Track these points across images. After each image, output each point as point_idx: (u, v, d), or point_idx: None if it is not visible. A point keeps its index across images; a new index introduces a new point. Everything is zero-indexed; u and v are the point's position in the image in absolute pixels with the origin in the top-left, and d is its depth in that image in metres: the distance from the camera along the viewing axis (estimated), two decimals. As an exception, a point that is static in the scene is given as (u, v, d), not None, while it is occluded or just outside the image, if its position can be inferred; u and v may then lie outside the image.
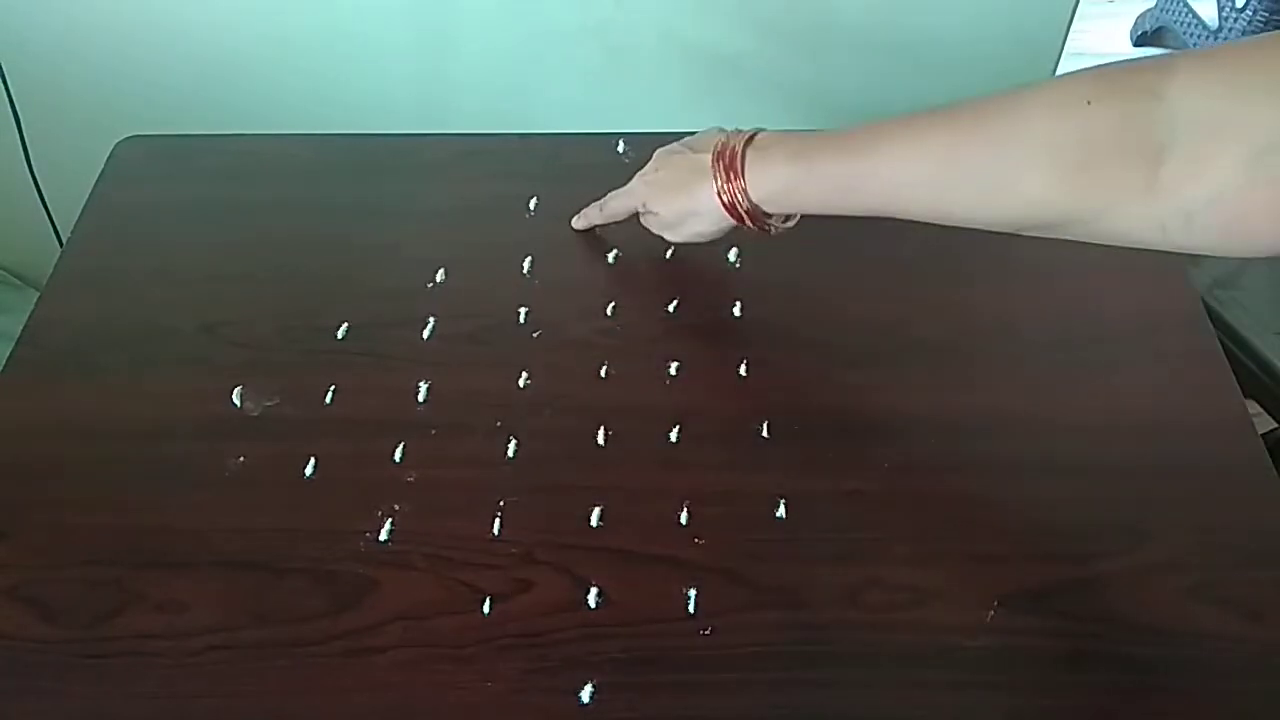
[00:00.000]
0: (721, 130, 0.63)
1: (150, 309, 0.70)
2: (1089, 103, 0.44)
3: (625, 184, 0.68)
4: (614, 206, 0.69)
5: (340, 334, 0.68)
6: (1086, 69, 0.46)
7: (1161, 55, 0.45)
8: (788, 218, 0.62)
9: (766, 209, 0.59)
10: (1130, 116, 0.43)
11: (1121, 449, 0.61)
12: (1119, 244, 0.46)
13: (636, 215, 0.69)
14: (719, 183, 0.59)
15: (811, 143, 0.56)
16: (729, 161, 0.58)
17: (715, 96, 1.12)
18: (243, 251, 0.74)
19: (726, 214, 0.60)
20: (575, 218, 0.73)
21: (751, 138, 0.59)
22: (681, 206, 0.63)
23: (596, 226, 0.72)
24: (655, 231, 0.67)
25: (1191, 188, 0.42)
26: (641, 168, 0.67)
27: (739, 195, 0.58)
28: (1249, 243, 0.42)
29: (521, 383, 0.65)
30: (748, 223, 0.60)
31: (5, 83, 1.06)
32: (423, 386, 0.64)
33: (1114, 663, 0.53)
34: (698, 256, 0.70)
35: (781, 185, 0.57)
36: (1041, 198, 0.47)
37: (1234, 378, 0.64)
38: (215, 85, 1.11)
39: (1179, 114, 0.41)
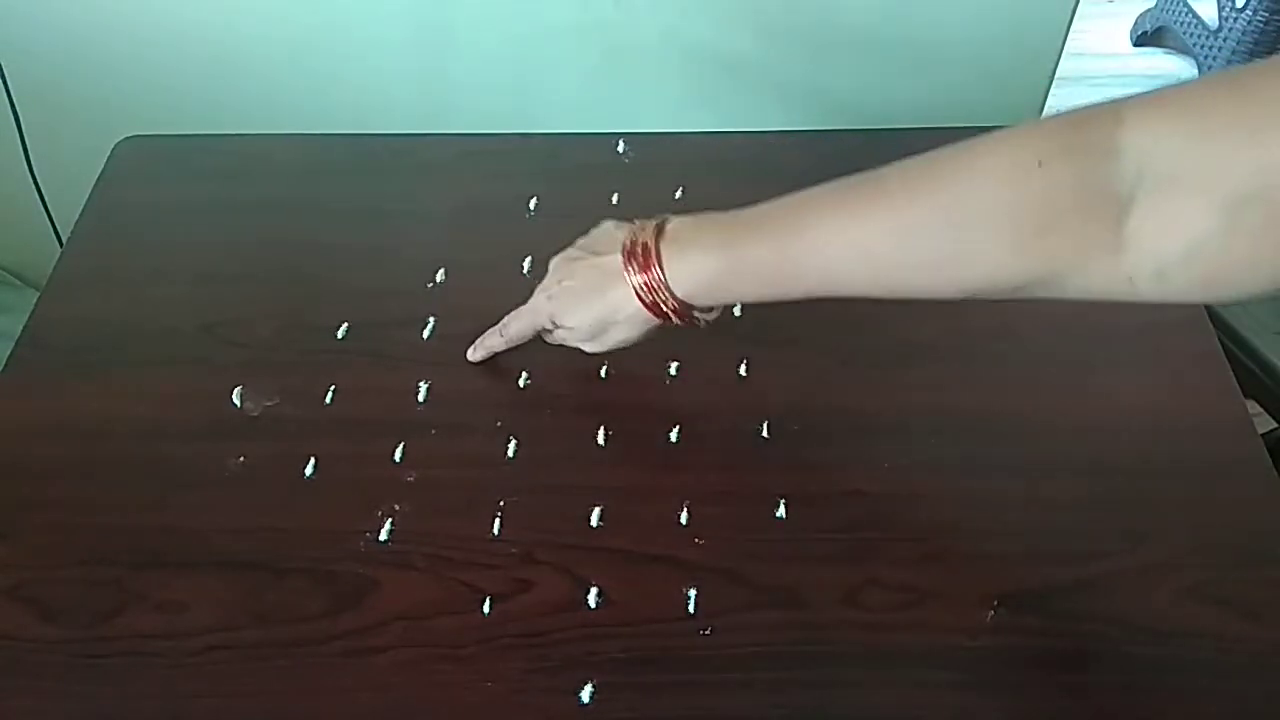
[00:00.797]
0: (618, 225, 0.57)
1: (150, 309, 0.70)
2: (1040, 164, 0.42)
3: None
4: (518, 328, 0.62)
5: (340, 334, 0.68)
6: (1030, 125, 0.44)
7: (1107, 103, 0.41)
8: (712, 306, 0.56)
9: (694, 304, 0.54)
10: (1086, 174, 0.41)
11: (1121, 449, 0.61)
12: (1086, 301, 0.44)
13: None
14: (636, 282, 0.53)
15: (734, 227, 0.51)
16: (643, 258, 0.53)
17: (715, 96, 1.12)
18: (242, 251, 0.74)
19: (650, 315, 0.54)
20: (471, 349, 0.65)
21: (661, 227, 0.54)
22: (598, 316, 0.57)
23: (498, 353, 0.65)
24: (571, 346, 0.61)
25: (1162, 243, 0.40)
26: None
27: (661, 293, 0.53)
28: (1226, 292, 0.40)
29: (521, 383, 0.65)
30: (674, 320, 0.55)
31: (5, 83, 1.06)
32: (423, 386, 0.64)
33: (1114, 663, 0.53)
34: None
35: (708, 277, 0.52)
36: (1000, 267, 0.44)
37: (1234, 378, 0.64)
38: (215, 85, 1.11)
39: (1138, 166, 0.39)
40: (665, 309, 0.54)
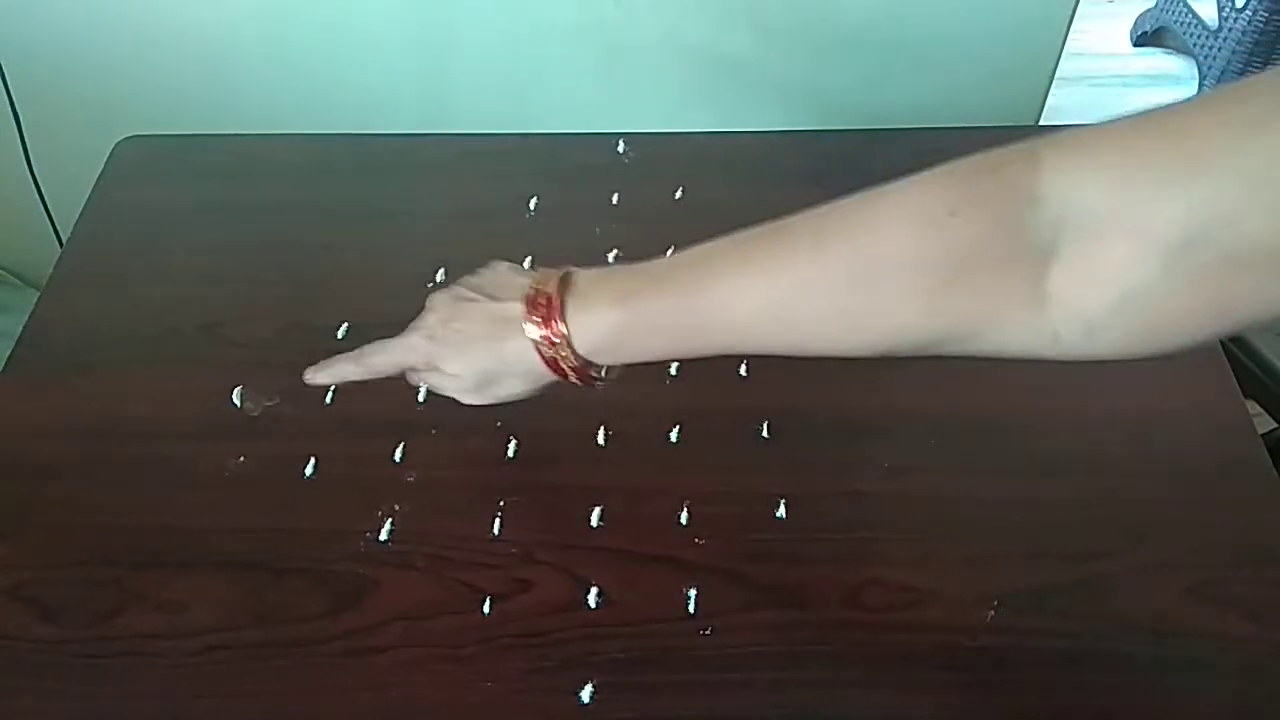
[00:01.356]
0: (514, 269, 0.53)
1: (150, 309, 0.70)
2: (952, 214, 0.39)
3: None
4: (382, 363, 0.55)
5: (340, 334, 0.68)
6: (943, 171, 0.40)
7: (1023, 146, 0.38)
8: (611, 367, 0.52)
9: (596, 361, 0.49)
10: (1001, 224, 0.38)
11: (1121, 449, 0.61)
12: (1006, 357, 0.42)
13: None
14: (536, 335, 0.48)
15: (638, 281, 0.48)
16: (545, 310, 0.48)
17: (715, 96, 1.12)
18: (242, 251, 0.74)
19: (547, 370, 0.50)
20: (313, 369, 0.57)
21: (566, 279, 0.49)
22: (487, 367, 0.51)
23: (349, 381, 0.57)
24: (448, 394, 0.54)
25: (1090, 294, 0.37)
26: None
27: (562, 349, 0.48)
28: (1162, 343, 0.38)
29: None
30: (572, 379, 0.50)
31: (5, 83, 1.06)
32: (423, 387, 0.64)
33: (1114, 663, 0.53)
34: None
35: (610, 335, 0.48)
36: (911, 323, 0.42)
37: (1234, 378, 0.64)
38: (215, 85, 1.11)
39: (1060, 213, 0.36)
40: (565, 366, 0.49)
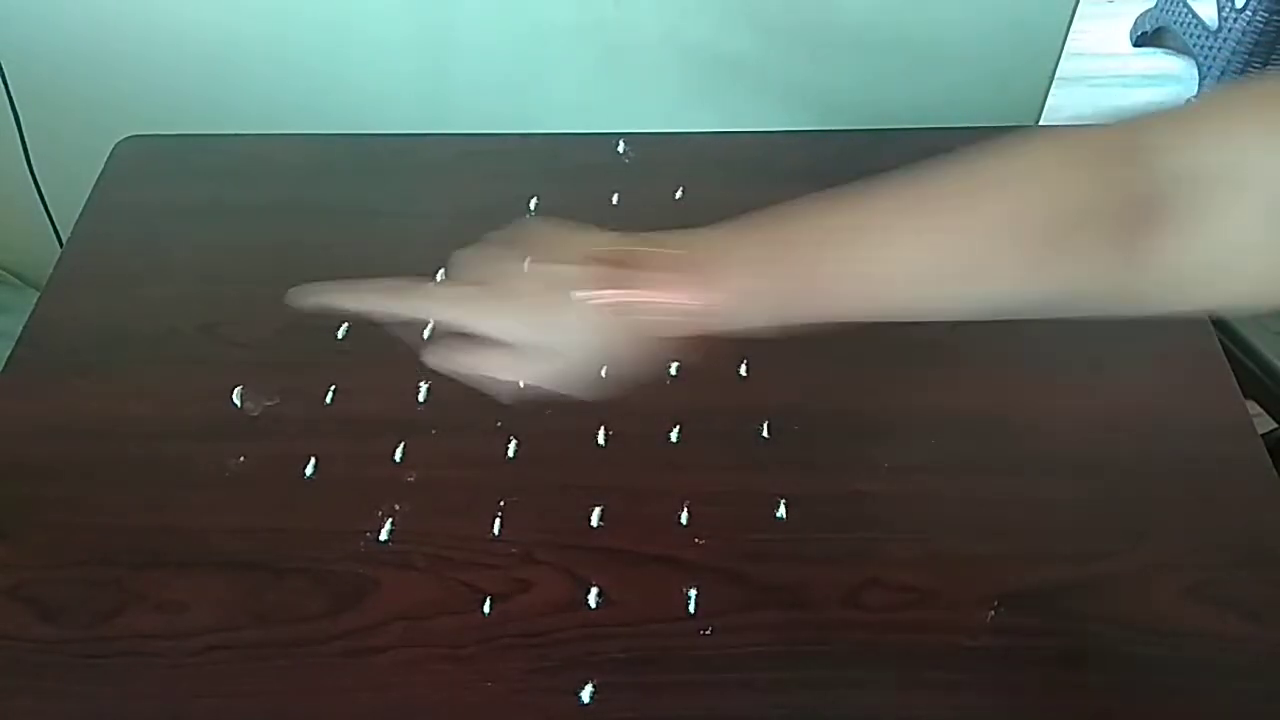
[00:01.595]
0: (555, 229, 0.48)
1: (150, 309, 0.70)
2: (1063, 171, 0.40)
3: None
4: (388, 310, 0.52)
5: (340, 334, 0.68)
6: (1049, 133, 0.42)
7: (1129, 114, 0.40)
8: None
9: (696, 329, 0.44)
10: (1111, 182, 0.39)
11: (1121, 449, 0.61)
12: (1115, 315, 0.42)
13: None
14: (621, 301, 0.44)
15: (765, 249, 0.44)
16: (625, 276, 0.44)
17: (715, 96, 1.12)
18: (243, 251, 0.74)
19: (619, 344, 0.45)
20: (310, 294, 0.53)
21: (655, 245, 0.45)
22: (550, 337, 0.47)
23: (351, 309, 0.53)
24: (480, 373, 0.50)
25: (1197, 250, 0.38)
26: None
27: (666, 316, 0.44)
28: (1264, 299, 0.39)
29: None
30: (642, 352, 0.46)
31: (5, 83, 1.06)
32: (423, 386, 0.64)
33: (1114, 663, 0.53)
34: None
35: (741, 297, 0.44)
36: (1023, 281, 0.42)
37: (1234, 378, 0.64)
38: (215, 85, 1.11)
39: (1168, 172, 0.37)
40: (650, 336, 0.45)
